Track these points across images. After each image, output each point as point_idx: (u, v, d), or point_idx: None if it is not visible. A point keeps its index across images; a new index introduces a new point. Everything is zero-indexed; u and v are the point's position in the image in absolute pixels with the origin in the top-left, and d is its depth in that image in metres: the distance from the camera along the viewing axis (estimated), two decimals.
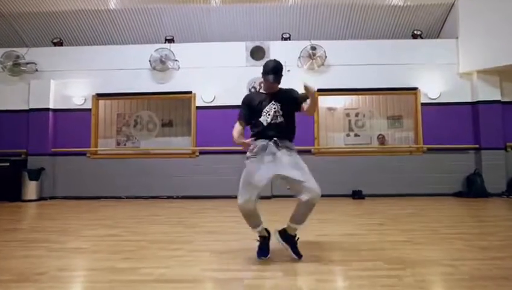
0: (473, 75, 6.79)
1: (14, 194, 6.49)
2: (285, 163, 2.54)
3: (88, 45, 7.77)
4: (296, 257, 2.59)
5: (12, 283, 2.18)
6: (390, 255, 2.68)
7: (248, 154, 2.65)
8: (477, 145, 6.69)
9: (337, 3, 7.19)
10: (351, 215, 4.75)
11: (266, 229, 2.71)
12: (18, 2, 7.15)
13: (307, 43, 6.84)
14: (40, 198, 6.65)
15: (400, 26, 7.54)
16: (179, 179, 6.84)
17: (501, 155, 6.63)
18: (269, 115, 2.63)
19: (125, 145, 8.38)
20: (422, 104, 6.89)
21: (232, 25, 7.52)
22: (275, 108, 2.65)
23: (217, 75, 6.97)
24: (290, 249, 2.62)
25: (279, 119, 2.64)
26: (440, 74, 6.87)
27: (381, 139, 8.13)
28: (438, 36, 7.61)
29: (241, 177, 2.59)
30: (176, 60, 6.91)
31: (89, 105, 7.07)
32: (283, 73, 2.71)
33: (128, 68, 7.05)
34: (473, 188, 6.48)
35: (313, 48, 6.68)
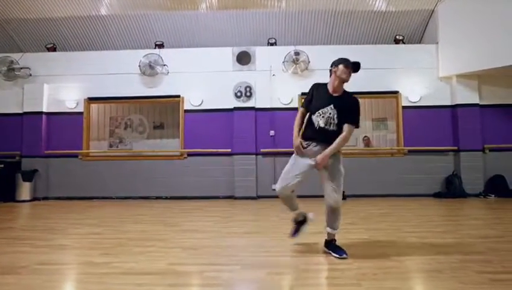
0: (452, 79, 7.02)
1: (8, 195, 6.73)
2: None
3: (80, 50, 8.03)
4: (338, 257, 2.72)
5: None
6: None
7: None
8: (456, 147, 6.91)
9: (321, 10, 7.42)
10: None
11: (303, 214, 3.01)
12: (13, 9, 7.40)
13: (291, 48, 7.07)
14: (34, 199, 6.90)
15: (382, 31, 7.77)
16: (168, 180, 7.07)
17: (479, 157, 6.85)
18: (323, 117, 2.69)
19: (117, 147, 8.63)
20: (403, 107, 7.11)
21: (220, 30, 7.76)
22: (330, 114, 2.68)
23: (205, 79, 7.20)
24: (332, 253, 2.80)
25: (331, 128, 2.69)
26: (421, 78, 7.10)
27: (366, 141, 8.36)
28: (420, 41, 7.83)
29: (285, 167, 2.82)
30: (165, 65, 7.15)
31: (81, 108, 7.31)
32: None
33: (119, 73, 7.30)
34: (451, 189, 6.70)
35: (297, 53, 6.92)
